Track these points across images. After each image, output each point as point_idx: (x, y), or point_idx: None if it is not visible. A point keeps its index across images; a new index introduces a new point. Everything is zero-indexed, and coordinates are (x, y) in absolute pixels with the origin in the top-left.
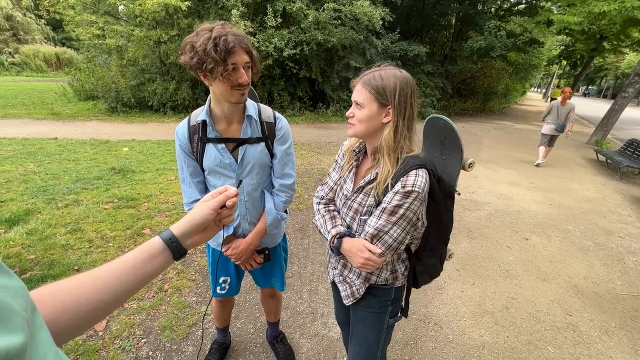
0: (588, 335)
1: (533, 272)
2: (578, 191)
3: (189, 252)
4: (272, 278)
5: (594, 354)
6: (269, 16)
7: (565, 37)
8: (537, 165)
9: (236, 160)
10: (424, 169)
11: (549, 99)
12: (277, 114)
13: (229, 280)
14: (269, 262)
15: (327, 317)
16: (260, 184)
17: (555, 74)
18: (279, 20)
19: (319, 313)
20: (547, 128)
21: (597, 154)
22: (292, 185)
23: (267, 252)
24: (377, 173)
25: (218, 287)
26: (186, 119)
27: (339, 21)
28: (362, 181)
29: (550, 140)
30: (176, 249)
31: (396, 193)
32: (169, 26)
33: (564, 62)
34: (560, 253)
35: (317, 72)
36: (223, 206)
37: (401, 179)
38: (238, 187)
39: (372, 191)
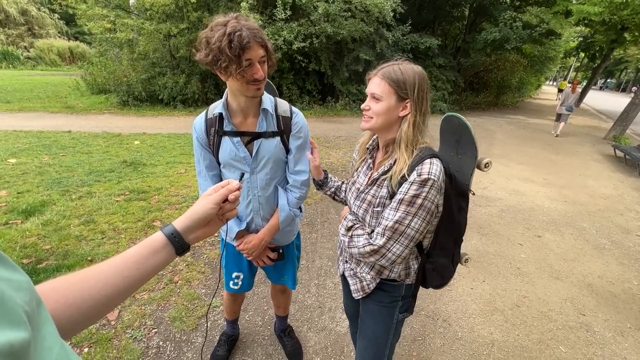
0: (602, 335)
1: (545, 270)
2: (594, 188)
3: (198, 244)
4: (284, 275)
5: (607, 355)
6: (278, 9)
7: (584, 28)
8: (557, 136)
9: (251, 154)
10: (438, 159)
11: (558, 91)
12: (294, 109)
13: (241, 276)
14: (282, 260)
15: (335, 311)
16: (274, 179)
17: (573, 66)
18: (289, 12)
19: (327, 307)
20: (561, 109)
21: (615, 150)
22: (306, 182)
23: (281, 251)
24: (390, 164)
25: (231, 282)
26: (204, 112)
27: (349, 13)
28: (376, 173)
29: (563, 118)
30: (179, 244)
31: (412, 183)
32: (178, 19)
33: (582, 55)
34: (574, 251)
35: (326, 65)
36: (226, 200)
37: (416, 168)
38: (241, 180)
39: (385, 182)
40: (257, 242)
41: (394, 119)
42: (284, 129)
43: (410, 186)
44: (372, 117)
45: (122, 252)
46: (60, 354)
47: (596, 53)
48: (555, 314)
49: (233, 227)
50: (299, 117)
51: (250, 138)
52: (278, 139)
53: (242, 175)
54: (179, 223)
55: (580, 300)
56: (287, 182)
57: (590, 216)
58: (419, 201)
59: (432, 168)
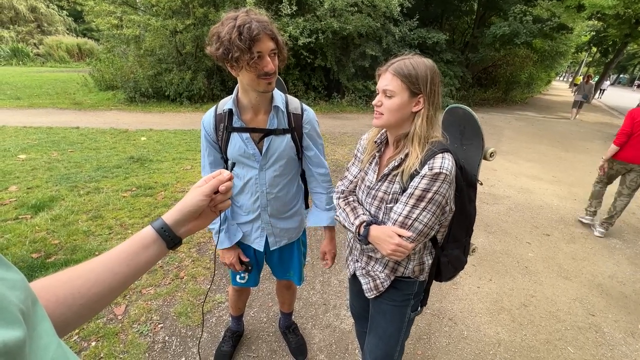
0: (612, 336)
1: (554, 270)
2: None
3: (204, 241)
4: (289, 271)
5: (617, 357)
6: (284, 4)
7: (596, 22)
8: (574, 118)
9: (260, 151)
10: (449, 153)
11: (573, 85)
12: (305, 106)
13: (250, 268)
14: (287, 259)
15: (340, 309)
16: (283, 176)
17: (584, 61)
18: (294, 7)
19: (331, 304)
20: (577, 97)
21: None
22: (327, 173)
23: (249, 267)
24: (401, 159)
25: (237, 277)
26: (214, 108)
27: (356, 8)
28: (387, 169)
29: (580, 105)
30: (169, 238)
31: (424, 177)
32: (184, 15)
33: (594, 49)
34: (584, 250)
35: (332, 61)
36: (217, 191)
37: (428, 162)
38: (231, 170)
39: (397, 178)
40: (332, 248)
41: (407, 114)
42: (294, 126)
43: (421, 180)
44: (383, 114)
45: (113, 248)
46: (57, 352)
47: (609, 47)
48: (564, 314)
49: (236, 234)
50: (310, 114)
51: (261, 135)
52: (289, 136)
53: (234, 164)
54: (169, 216)
55: (590, 301)
56: (300, 179)
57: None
58: (430, 195)
59: (445, 162)
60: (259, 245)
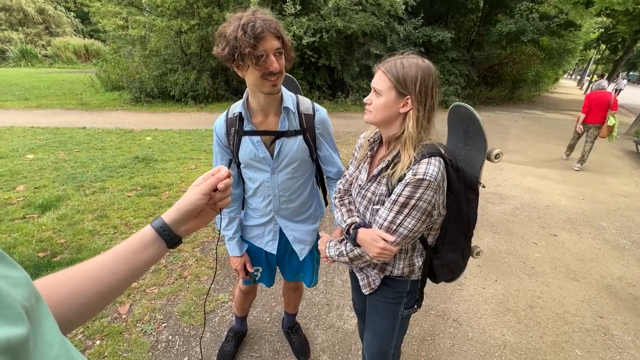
0: (621, 339)
1: (561, 271)
2: (614, 185)
3: (207, 241)
4: (300, 273)
5: None
6: (288, 3)
7: (605, 18)
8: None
9: (272, 154)
10: (436, 157)
11: (590, 83)
12: (317, 106)
13: (260, 270)
14: (299, 263)
15: (343, 309)
16: (295, 179)
17: (593, 59)
18: (298, 7)
19: (335, 305)
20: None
21: (637, 146)
22: (341, 172)
23: (253, 278)
24: (388, 160)
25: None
26: (225, 112)
27: (360, 7)
28: (376, 170)
29: None
30: (169, 237)
31: (407, 184)
32: (189, 16)
33: (603, 46)
34: (592, 251)
35: (336, 60)
36: (216, 189)
37: (412, 167)
38: (229, 167)
39: (385, 180)
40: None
41: (394, 114)
42: (306, 127)
43: (404, 187)
44: (371, 111)
45: (113, 247)
46: (61, 348)
47: (618, 44)
48: (571, 315)
49: (237, 248)
50: (322, 114)
51: (272, 138)
52: (300, 137)
53: (230, 161)
54: (168, 216)
55: (598, 302)
56: (315, 180)
57: (610, 215)
58: (413, 202)
59: (429, 168)
60: (271, 249)
